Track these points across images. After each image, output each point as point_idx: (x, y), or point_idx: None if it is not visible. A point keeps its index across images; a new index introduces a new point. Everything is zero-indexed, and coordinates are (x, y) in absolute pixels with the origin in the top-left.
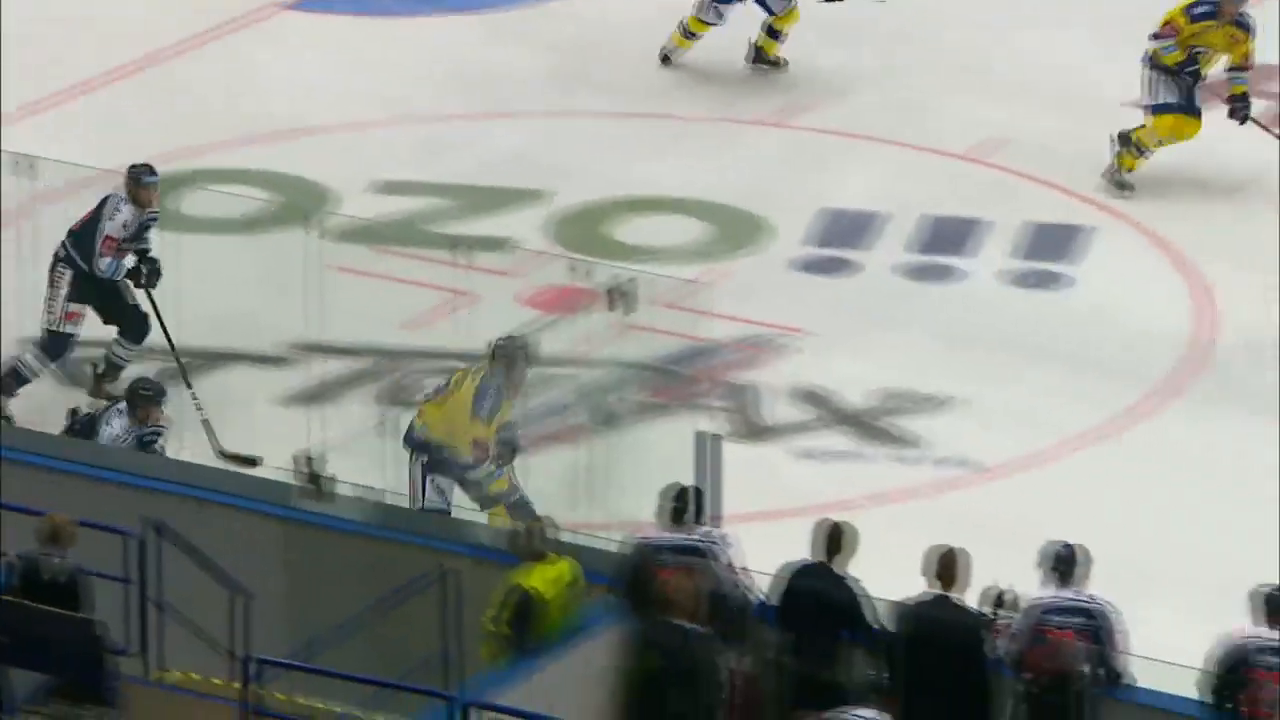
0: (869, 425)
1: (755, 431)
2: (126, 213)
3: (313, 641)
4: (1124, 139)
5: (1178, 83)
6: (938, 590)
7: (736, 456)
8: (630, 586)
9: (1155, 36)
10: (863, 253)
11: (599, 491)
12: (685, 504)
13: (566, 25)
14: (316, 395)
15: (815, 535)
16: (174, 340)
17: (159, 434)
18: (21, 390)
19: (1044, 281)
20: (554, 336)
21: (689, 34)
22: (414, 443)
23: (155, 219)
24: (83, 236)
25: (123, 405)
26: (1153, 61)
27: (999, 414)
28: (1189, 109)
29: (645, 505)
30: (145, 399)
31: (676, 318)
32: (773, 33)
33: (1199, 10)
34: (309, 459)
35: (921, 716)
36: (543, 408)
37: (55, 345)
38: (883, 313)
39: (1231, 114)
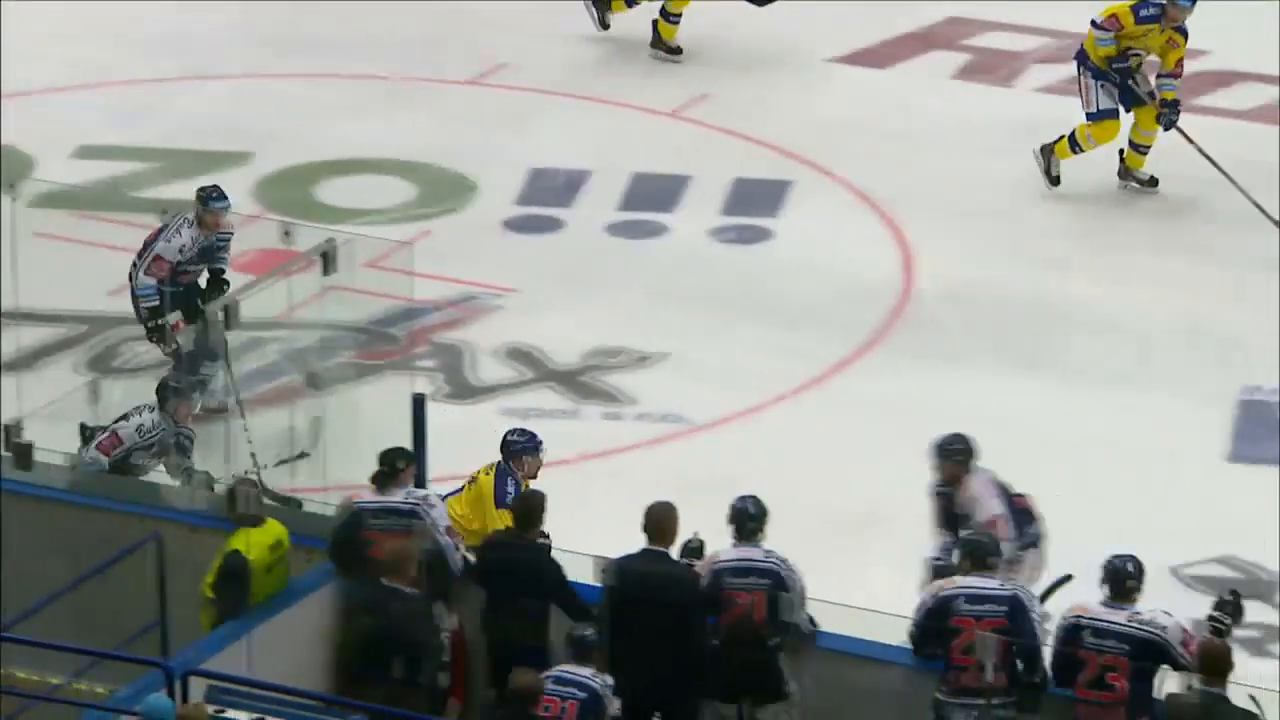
0: (579, 382)
1: (465, 391)
2: (187, 236)
3: (24, 612)
4: (1070, 139)
5: (1111, 84)
6: (648, 545)
7: (446, 417)
8: (342, 550)
9: (1097, 25)
10: (569, 210)
11: (312, 455)
12: (393, 467)
13: None
14: (19, 363)
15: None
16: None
17: (192, 438)
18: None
19: (749, 236)
20: (262, 300)
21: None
22: None
23: (228, 239)
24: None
25: (153, 401)
26: (1087, 60)
27: (708, 369)
28: (1118, 112)
29: (359, 469)
30: (176, 393)
31: (384, 279)
32: (667, 15)
33: (1145, 12)
34: (13, 427)
35: (635, 671)
36: (253, 371)
37: (187, 362)
38: (591, 270)
39: (1157, 118)
